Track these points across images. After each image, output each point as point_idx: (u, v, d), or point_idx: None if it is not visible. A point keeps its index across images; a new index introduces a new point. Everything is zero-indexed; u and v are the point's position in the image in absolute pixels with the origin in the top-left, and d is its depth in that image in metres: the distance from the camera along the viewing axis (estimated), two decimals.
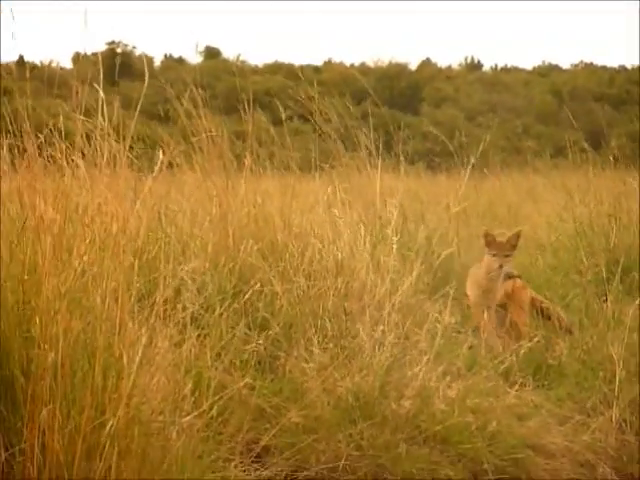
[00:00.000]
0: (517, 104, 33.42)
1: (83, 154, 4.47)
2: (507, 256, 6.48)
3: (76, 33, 4.34)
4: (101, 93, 4.18)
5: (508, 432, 5.22)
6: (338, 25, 56.92)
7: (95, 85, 4.24)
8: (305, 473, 4.75)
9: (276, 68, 34.02)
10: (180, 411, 4.17)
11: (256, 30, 54.31)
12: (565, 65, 40.48)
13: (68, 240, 4.09)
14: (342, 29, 57.02)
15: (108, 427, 3.80)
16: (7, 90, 4.95)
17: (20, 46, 4.62)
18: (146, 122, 6.75)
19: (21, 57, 5.09)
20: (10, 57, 4.93)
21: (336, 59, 37.33)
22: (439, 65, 40.25)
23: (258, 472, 4.65)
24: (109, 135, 4.31)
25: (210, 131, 6.34)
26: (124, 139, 4.34)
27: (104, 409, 3.86)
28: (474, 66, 40.97)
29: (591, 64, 39.53)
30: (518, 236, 6.53)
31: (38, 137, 4.57)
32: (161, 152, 4.45)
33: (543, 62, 40.79)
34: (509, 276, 6.67)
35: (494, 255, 6.45)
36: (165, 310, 4.41)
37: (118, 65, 5.67)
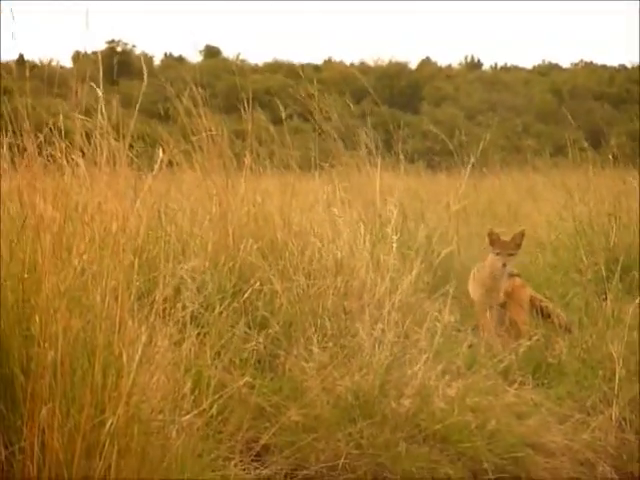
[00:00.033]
0: (517, 103, 33.39)
1: (83, 153, 4.47)
2: (511, 255, 6.49)
3: (76, 32, 4.34)
4: (99, 92, 4.18)
5: (508, 431, 5.22)
6: (338, 25, 56.91)
7: (94, 84, 4.24)
8: (305, 472, 4.75)
9: (276, 67, 34.01)
10: (180, 410, 4.17)
11: (256, 30, 54.29)
12: (565, 64, 40.45)
13: (68, 239, 4.10)
14: (342, 29, 57.03)
15: (108, 426, 3.81)
16: (7, 89, 4.95)
17: (20, 45, 4.63)
18: (146, 121, 6.76)
19: (21, 56, 5.09)
20: (10, 56, 4.93)
21: (336, 58, 37.32)
22: (439, 64, 40.22)
23: (258, 471, 4.65)
24: (108, 134, 4.31)
25: (210, 130, 6.34)
26: (124, 138, 4.34)
27: (104, 408, 3.86)
28: (474, 65, 40.93)
29: (591, 63, 39.52)
30: (522, 235, 6.54)
31: (38, 136, 4.57)
32: (161, 151, 4.45)
33: (543, 61, 40.77)
34: (509, 275, 6.67)
35: (498, 254, 6.46)
36: (165, 309, 4.42)
37: (118, 64, 5.68)
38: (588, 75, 37.31)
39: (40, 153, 4.54)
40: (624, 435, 5.58)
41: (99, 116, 4.26)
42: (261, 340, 5.26)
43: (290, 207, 6.29)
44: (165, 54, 36.87)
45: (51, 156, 4.70)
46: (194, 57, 36.08)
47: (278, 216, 6.16)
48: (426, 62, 39.54)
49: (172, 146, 6.23)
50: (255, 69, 32.51)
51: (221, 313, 5.15)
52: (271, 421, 4.82)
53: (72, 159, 4.52)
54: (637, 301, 6.29)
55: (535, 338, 6.26)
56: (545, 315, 6.70)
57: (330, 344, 5.39)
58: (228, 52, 37.09)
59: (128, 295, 4.07)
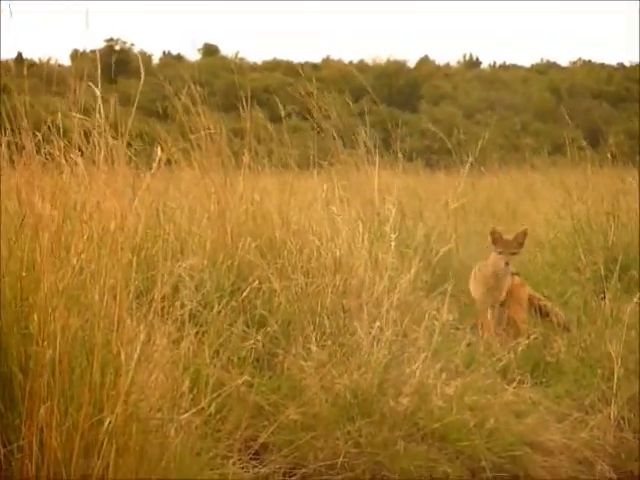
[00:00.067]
0: (515, 101, 33.38)
1: (81, 151, 4.47)
2: (513, 254, 6.49)
3: (75, 31, 4.34)
4: (97, 91, 4.18)
5: (506, 429, 5.22)
6: (336, 25, 56.85)
7: (92, 83, 4.24)
8: (303, 470, 4.75)
9: (275, 65, 33.99)
10: (178, 408, 4.17)
11: (254, 30, 54.33)
12: (563, 63, 40.44)
13: (66, 237, 4.10)
14: (340, 29, 56.96)
15: (106, 424, 3.80)
16: (5, 87, 4.95)
17: (19, 44, 4.63)
18: (145, 119, 6.75)
19: (19, 54, 5.09)
20: (8, 54, 4.93)
21: (335, 57, 37.29)
22: (437, 63, 40.20)
23: (256, 469, 4.65)
24: (107, 132, 4.30)
25: (208, 128, 6.34)
26: (122, 136, 4.33)
27: (102, 406, 3.86)
28: (472, 63, 40.91)
29: (589, 62, 39.50)
30: (525, 234, 6.54)
31: (36, 134, 4.57)
32: (159, 149, 4.45)
33: (541, 60, 40.74)
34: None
35: (500, 253, 6.46)
36: (163, 307, 4.41)
37: (117, 62, 5.68)
38: (587, 73, 37.31)
39: (38, 151, 4.53)
40: (622, 434, 5.58)
41: (97, 115, 4.25)
42: (260, 339, 5.26)
43: (289, 206, 6.28)
44: (164, 52, 36.84)
45: (49, 154, 4.69)
46: (192, 55, 36.07)
47: (277, 214, 6.16)
48: (424, 61, 39.53)
49: (170, 144, 6.22)
50: (254, 67, 32.48)
51: (220, 312, 5.14)
52: (269, 420, 4.82)
53: (71, 157, 4.52)
54: (635, 300, 6.28)
55: (533, 337, 6.26)
56: (544, 314, 6.71)
57: (329, 343, 5.39)
58: (227, 51, 37.10)
59: (126, 294, 4.07)
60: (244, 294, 5.45)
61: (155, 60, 34.68)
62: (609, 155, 9.12)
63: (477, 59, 41.03)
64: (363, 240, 6.16)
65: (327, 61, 36.15)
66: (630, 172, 9.34)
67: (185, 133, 6.44)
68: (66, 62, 8.24)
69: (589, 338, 6.24)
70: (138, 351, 3.97)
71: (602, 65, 38.68)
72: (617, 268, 6.79)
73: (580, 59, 39.89)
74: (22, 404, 3.85)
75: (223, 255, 5.80)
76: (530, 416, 5.45)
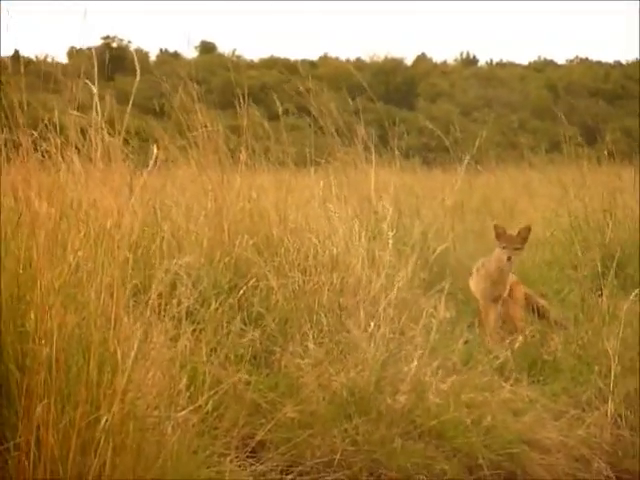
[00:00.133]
0: (513, 99, 33.42)
1: (78, 149, 4.46)
2: (517, 249, 6.50)
3: (73, 30, 4.34)
4: (94, 88, 4.17)
5: (503, 427, 5.22)
6: (334, 24, 56.94)
7: (88, 80, 4.23)
8: (300, 468, 4.75)
9: (272, 63, 33.95)
10: (175, 406, 4.17)
11: (252, 29, 54.38)
12: (560, 60, 40.48)
13: (63, 235, 4.09)
14: (338, 28, 57.04)
15: (103, 422, 3.80)
16: (2, 85, 4.94)
17: (16, 41, 4.63)
18: (141, 117, 6.75)
19: (16, 52, 5.09)
20: (5, 52, 4.93)
21: (332, 55, 37.29)
22: (434, 60, 40.25)
23: (253, 467, 4.64)
24: (103, 129, 4.30)
25: (205, 126, 6.33)
26: (119, 134, 4.33)
27: (99, 404, 3.85)
28: (469, 61, 40.95)
29: (586, 59, 39.56)
30: (529, 230, 6.56)
31: (33, 132, 4.56)
32: (155, 147, 4.44)
33: (539, 57, 40.81)
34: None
35: (504, 247, 6.47)
36: (160, 305, 4.41)
37: (113, 60, 5.67)
38: (583, 71, 37.36)
39: (35, 149, 4.53)
40: (619, 431, 5.58)
41: (94, 112, 4.25)
42: (257, 336, 5.26)
43: (286, 203, 6.28)
44: (160, 50, 36.81)
45: (46, 152, 4.69)
46: (189, 53, 36.04)
47: (274, 212, 6.16)
48: (422, 58, 39.57)
49: (167, 142, 6.22)
50: (251, 65, 32.48)
51: (217, 309, 5.14)
52: (267, 417, 4.82)
53: (67, 155, 4.52)
54: (632, 297, 6.28)
55: (530, 335, 6.27)
56: (541, 314, 6.72)
57: (326, 340, 5.40)
58: (224, 48, 37.06)
59: (123, 291, 4.07)
60: (241, 292, 5.45)
61: (152, 57, 34.70)
62: (606, 153, 9.13)
63: (474, 57, 41.09)
64: (360, 238, 6.16)
65: (324, 59, 36.17)
66: (627, 169, 9.35)
67: (182, 131, 6.44)
68: (63, 60, 8.23)
69: (586, 335, 6.24)
70: (135, 349, 3.97)
71: (599, 63, 38.76)
72: (614, 265, 6.79)
73: (577, 57, 39.99)
74: (19, 402, 3.84)
75: (220, 253, 5.80)
76: (527, 414, 5.44)
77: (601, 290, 6.66)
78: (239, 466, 4.58)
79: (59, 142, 4.62)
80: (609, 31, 60.05)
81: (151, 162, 4.31)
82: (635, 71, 33.88)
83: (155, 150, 4.35)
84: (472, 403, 5.25)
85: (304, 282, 5.73)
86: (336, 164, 7.60)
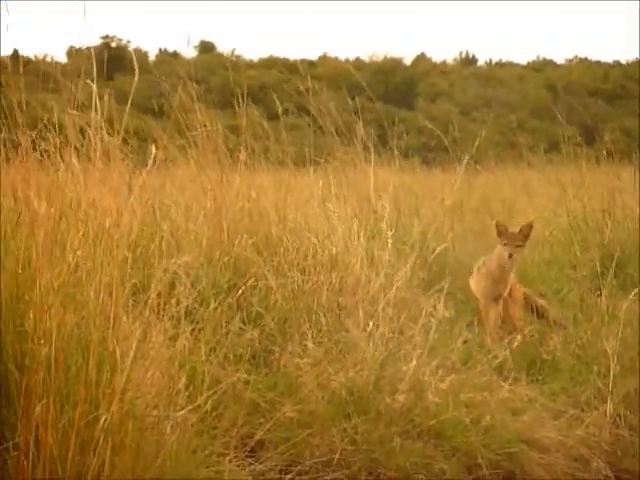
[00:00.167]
0: (512, 99, 33.42)
1: (77, 149, 4.46)
2: (519, 246, 6.50)
3: (72, 29, 4.35)
4: (94, 86, 4.17)
5: (502, 426, 5.22)
6: (333, 24, 56.95)
7: (88, 80, 4.23)
8: (299, 467, 4.75)
9: (271, 63, 33.91)
10: (174, 405, 4.17)
11: (252, 29, 54.39)
12: (560, 60, 40.48)
13: (62, 235, 4.09)
14: (337, 28, 57.07)
15: (102, 422, 3.80)
16: (1, 84, 4.94)
17: (15, 41, 4.62)
18: (141, 116, 6.75)
19: (15, 51, 5.09)
20: (4, 51, 4.93)
21: (331, 54, 37.28)
22: (434, 60, 40.25)
23: (252, 466, 4.64)
24: (102, 129, 4.30)
25: (205, 125, 6.33)
26: (118, 133, 4.33)
27: (98, 404, 3.85)
28: (469, 61, 40.94)
29: (586, 59, 39.56)
30: (531, 227, 6.55)
31: (32, 132, 4.56)
32: (154, 146, 4.44)
33: (538, 57, 40.81)
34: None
35: (505, 244, 6.46)
36: (159, 304, 4.41)
37: (112, 59, 5.67)
38: (583, 71, 37.36)
39: (34, 148, 4.53)
40: (618, 431, 5.58)
41: (93, 111, 4.25)
42: (256, 336, 5.26)
43: (285, 203, 6.28)
44: (160, 49, 36.80)
45: (45, 151, 4.69)
46: (189, 53, 35.99)
47: (273, 212, 6.16)
48: (421, 58, 39.57)
49: (166, 141, 6.22)
50: (250, 65, 32.48)
51: (216, 309, 5.14)
52: (266, 417, 4.82)
53: (67, 154, 4.52)
54: (631, 297, 6.28)
55: (529, 334, 6.27)
56: (540, 314, 6.73)
57: (325, 340, 5.40)
58: (223, 48, 37.06)
59: (122, 291, 4.07)
60: (240, 291, 5.45)
61: (151, 57, 34.69)
62: (605, 152, 9.14)
63: (473, 56, 41.09)
64: (359, 237, 6.16)
65: (324, 59, 36.15)
66: (626, 169, 9.35)
67: (181, 130, 6.44)
68: (62, 59, 8.23)
69: (585, 335, 6.24)
70: (134, 348, 3.97)
71: (598, 63, 38.76)
72: (613, 265, 6.79)
73: (576, 57, 39.98)
74: (18, 401, 3.84)
75: (219, 252, 5.80)
76: (526, 413, 5.44)
77: (600, 290, 6.66)
78: (238, 465, 4.58)
79: (58, 142, 4.62)
80: (608, 31, 60.10)
81: (150, 162, 4.31)
82: (634, 71, 33.89)
83: (154, 150, 4.35)
84: (471, 402, 5.25)
85: (303, 282, 5.73)
86: (335, 164, 7.60)
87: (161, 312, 4.47)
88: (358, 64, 34.08)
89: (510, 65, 40.17)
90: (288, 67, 18.41)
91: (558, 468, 5.24)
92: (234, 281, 5.60)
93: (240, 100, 6.60)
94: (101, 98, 4.21)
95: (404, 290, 5.93)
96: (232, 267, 5.73)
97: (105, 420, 3.80)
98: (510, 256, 6.46)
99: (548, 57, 40.58)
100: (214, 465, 4.40)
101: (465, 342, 5.96)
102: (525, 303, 6.74)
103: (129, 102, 4.29)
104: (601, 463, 5.34)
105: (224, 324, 5.15)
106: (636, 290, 6.26)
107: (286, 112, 7.18)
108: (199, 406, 4.26)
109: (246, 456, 4.66)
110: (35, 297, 3.91)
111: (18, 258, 4.06)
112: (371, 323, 5.40)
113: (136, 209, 4.42)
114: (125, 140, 4.56)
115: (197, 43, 35.81)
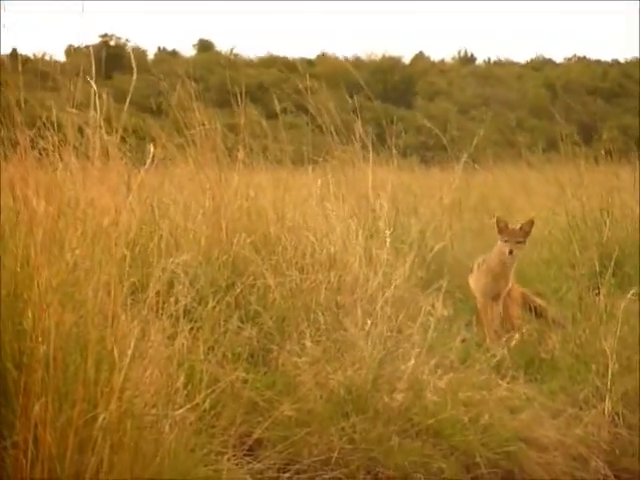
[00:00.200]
0: (510, 98, 33.41)
1: (75, 147, 4.46)
2: (519, 243, 6.50)
3: (70, 28, 4.35)
4: (94, 85, 4.17)
5: (500, 425, 5.23)
6: (332, 23, 56.90)
7: (87, 78, 4.23)
8: (297, 466, 4.75)
9: (270, 62, 33.89)
10: (173, 404, 4.17)
11: (250, 29, 54.38)
12: (558, 59, 40.49)
13: (61, 233, 4.09)
14: (336, 27, 57.01)
15: (100, 420, 3.80)
16: (0, 83, 4.94)
17: (14, 39, 4.62)
18: (139, 115, 6.74)
19: (14, 50, 5.08)
20: (3, 50, 4.92)
21: (330, 53, 37.24)
22: (432, 59, 40.22)
23: (250, 465, 4.65)
24: (100, 128, 4.30)
25: (203, 124, 6.33)
26: (116, 132, 4.33)
27: (96, 402, 3.85)
28: (467, 60, 40.92)
29: (584, 58, 39.55)
30: (531, 223, 6.56)
31: (30, 130, 4.56)
32: (152, 145, 4.44)
33: (536, 56, 40.80)
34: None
35: (506, 241, 6.47)
36: (158, 303, 4.41)
37: (111, 58, 5.67)
38: (581, 70, 37.35)
39: (33, 147, 4.52)
40: (617, 430, 5.59)
41: (91, 110, 4.25)
42: (254, 334, 5.26)
43: (283, 202, 6.28)
44: (158, 48, 36.80)
45: (44, 150, 4.69)
46: (187, 51, 36.00)
47: (271, 210, 6.16)
48: (419, 57, 39.56)
49: (165, 140, 6.22)
50: (249, 63, 32.45)
51: (214, 307, 5.14)
52: (264, 415, 4.82)
53: (65, 153, 4.52)
54: (629, 296, 6.29)
55: (528, 333, 6.27)
56: (538, 313, 6.73)
57: (323, 339, 5.39)
58: (222, 47, 37.05)
59: (121, 289, 4.07)
60: (239, 290, 5.45)
61: (150, 56, 34.68)
62: (603, 151, 9.14)
63: (472, 55, 41.06)
64: (357, 236, 6.16)
65: (322, 57, 36.09)
66: (624, 168, 9.35)
67: (180, 129, 6.43)
68: (61, 58, 8.22)
69: (583, 334, 6.24)
70: (132, 347, 3.97)
71: (597, 61, 38.76)
72: (611, 264, 6.80)
73: (575, 55, 39.99)
74: (16, 400, 3.84)
75: (218, 251, 5.80)
76: (524, 412, 5.45)
77: (599, 289, 6.67)
78: (236, 464, 4.58)
79: (57, 140, 4.62)
80: (607, 30, 60.13)
81: (148, 160, 4.31)
82: (633, 70, 33.91)
83: (152, 148, 4.36)
84: (469, 401, 5.25)
85: (301, 280, 5.73)
86: (334, 162, 7.60)
87: (160, 311, 4.47)
88: (357, 63, 34.02)
89: (509, 64, 40.17)
90: (287, 66, 18.41)
91: (557, 467, 5.25)
92: (232, 280, 5.60)
93: (239, 99, 6.60)
94: (100, 97, 4.21)
95: (402, 289, 5.93)
96: (230, 266, 5.73)
97: (104, 419, 3.80)
98: (511, 252, 6.47)
99: (547, 56, 40.63)
100: (212, 464, 4.40)
101: (463, 341, 5.97)
102: (523, 302, 6.74)
103: (127, 101, 4.29)
104: (600, 462, 5.35)
105: (222, 323, 5.14)
106: (634, 289, 6.28)
107: (285, 111, 7.18)
108: (197, 405, 4.26)
109: (244, 455, 4.66)
110: (34, 296, 3.91)
111: (17, 256, 4.06)
112: (369, 322, 5.40)
113: (135, 208, 4.43)
114: (123, 139, 4.55)
115: (196, 42, 35.83)
